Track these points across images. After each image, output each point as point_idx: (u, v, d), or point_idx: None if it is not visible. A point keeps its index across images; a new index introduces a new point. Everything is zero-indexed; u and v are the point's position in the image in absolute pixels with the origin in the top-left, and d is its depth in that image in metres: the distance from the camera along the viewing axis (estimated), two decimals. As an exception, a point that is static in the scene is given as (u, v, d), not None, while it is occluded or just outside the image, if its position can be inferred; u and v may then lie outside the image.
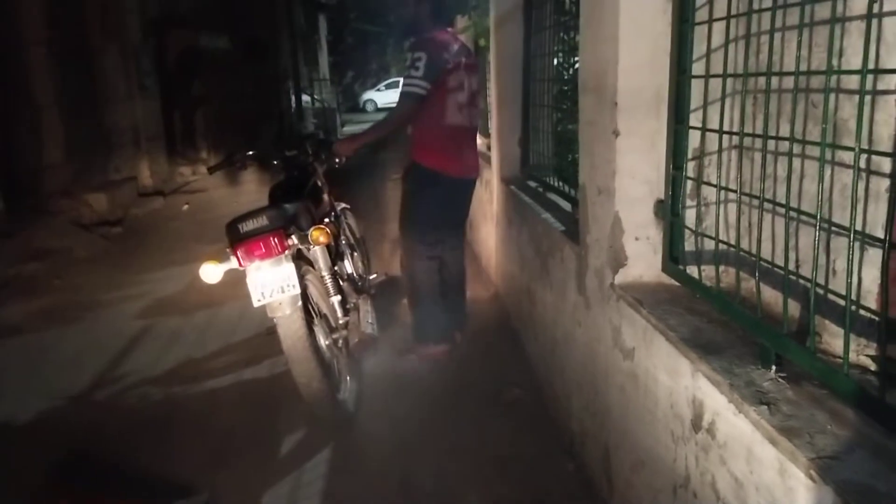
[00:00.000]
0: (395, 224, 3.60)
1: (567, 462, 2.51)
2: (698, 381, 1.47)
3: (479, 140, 4.64)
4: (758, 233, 1.48)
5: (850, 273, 1.14)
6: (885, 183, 1.26)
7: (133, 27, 9.03)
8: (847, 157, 1.31)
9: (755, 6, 1.49)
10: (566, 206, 2.92)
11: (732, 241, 1.55)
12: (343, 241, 3.51)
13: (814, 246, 1.25)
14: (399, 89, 3.23)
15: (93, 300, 4.71)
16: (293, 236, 2.58)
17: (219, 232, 2.71)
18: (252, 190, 7.87)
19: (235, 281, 2.61)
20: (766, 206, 1.43)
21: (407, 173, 3.48)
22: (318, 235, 2.65)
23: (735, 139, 1.67)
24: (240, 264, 2.47)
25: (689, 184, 1.84)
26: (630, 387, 1.90)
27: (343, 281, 3.23)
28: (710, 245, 1.65)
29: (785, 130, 1.46)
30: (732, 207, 1.66)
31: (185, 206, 8.17)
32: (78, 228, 6.51)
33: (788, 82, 1.48)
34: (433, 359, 3.41)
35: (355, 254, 3.72)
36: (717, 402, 1.38)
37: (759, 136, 1.44)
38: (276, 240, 2.48)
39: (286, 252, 2.50)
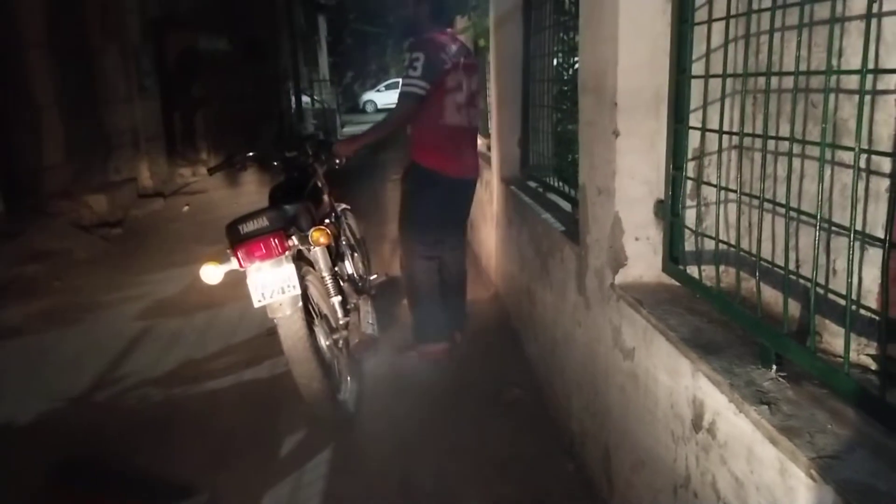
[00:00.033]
0: (395, 224, 3.60)
1: (567, 462, 2.51)
2: (698, 380, 1.47)
3: (480, 140, 4.64)
4: (758, 233, 1.48)
5: (850, 273, 1.14)
6: (885, 183, 1.26)
7: (133, 28, 9.04)
8: (847, 156, 1.31)
9: (754, 6, 1.49)
10: (566, 206, 2.92)
11: (732, 241, 1.55)
12: (343, 242, 3.51)
13: (814, 246, 1.25)
14: (398, 90, 3.24)
15: (93, 302, 4.71)
16: (293, 237, 2.58)
17: (219, 233, 2.71)
18: (252, 191, 7.87)
19: (236, 282, 2.61)
20: (766, 206, 1.43)
21: (406, 173, 3.48)
22: (319, 236, 2.65)
23: (735, 139, 1.67)
24: (240, 265, 2.48)
25: (689, 184, 1.84)
26: (630, 387, 1.90)
27: (343, 281, 3.23)
28: (710, 245, 1.65)
29: (785, 130, 1.46)
30: (732, 207, 1.66)
31: (186, 208, 8.17)
32: (78, 230, 6.51)
33: (788, 82, 1.48)
34: (432, 357, 3.41)
35: (356, 254, 3.72)
36: (718, 402, 1.38)
37: (758, 136, 1.44)
38: (276, 241, 2.48)
39: (286, 253, 2.50)
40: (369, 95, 29.39)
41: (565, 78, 3.21)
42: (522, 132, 3.89)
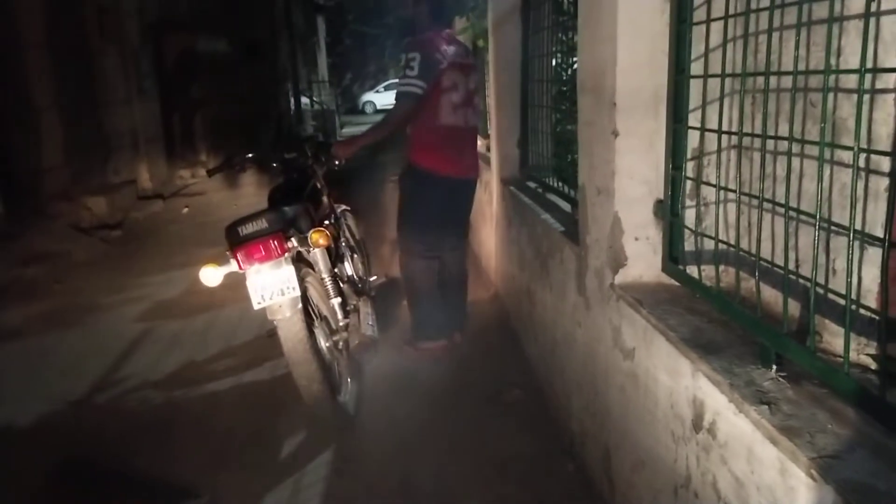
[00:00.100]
0: (394, 226, 3.60)
1: (567, 462, 2.51)
2: (699, 380, 1.47)
3: (479, 141, 4.64)
4: (757, 232, 1.48)
5: (849, 272, 1.14)
6: (885, 182, 1.26)
7: (132, 30, 9.04)
8: (846, 156, 1.31)
9: (753, 6, 1.49)
10: (566, 206, 2.92)
11: (732, 241, 1.55)
12: (343, 243, 3.51)
13: (813, 245, 1.25)
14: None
15: (93, 303, 4.70)
16: (293, 239, 2.58)
17: (218, 235, 2.71)
18: (251, 192, 7.88)
19: (235, 284, 2.61)
20: (766, 205, 1.43)
21: (403, 174, 3.48)
22: (318, 238, 2.65)
23: (734, 139, 1.67)
24: (240, 267, 2.48)
25: (689, 184, 1.84)
26: (630, 387, 1.90)
27: (343, 283, 3.23)
28: (709, 245, 1.65)
29: (784, 130, 1.46)
30: (732, 207, 1.66)
31: (185, 209, 8.17)
32: (77, 232, 6.51)
33: (787, 82, 1.48)
34: (431, 354, 3.41)
35: (355, 256, 3.72)
36: (718, 402, 1.38)
37: (758, 135, 1.44)
38: (275, 242, 2.48)
39: (286, 255, 2.50)
40: (368, 96, 29.39)
41: (564, 78, 3.21)
42: (522, 133, 3.89)
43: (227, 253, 2.50)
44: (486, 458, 2.58)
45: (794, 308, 1.43)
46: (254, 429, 2.90)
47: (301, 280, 2.56)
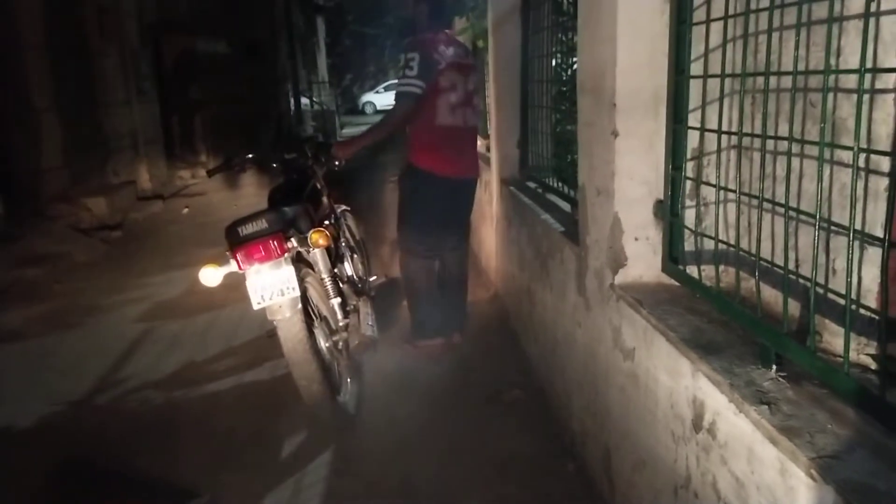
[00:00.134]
0: (394, 226, 3.60)
1: (568, 462, 2.51)
2: (699, 381, 1.47)
3: (479, 141, 4.64)
4: (757, 232, 1.48)
5: (849, 272, 1.14)
6: (884, 182, 1.26)
7: (131, 31, 9.05)
8: (846, 156, 1.31)
9: (753, 6, 1.50)
10: (565, 206, 2.92)
11: (732, 241, 1.55)
12: (343, 244, 3.51)
13: (813, 245, 1.25)
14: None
15: (93, 304, 4.71)
16: (292, 239, 2.58)
17: (218, 235, 2.71)
18: (251, 193, 7.88)
19: (235, 284, 2.61)
20: (766, 205, 1.43)
21: (403, 174, 3.48)
22: (318, 238, 2.65)
23: (734, 139, 1.67)
24: (239, 267, 2.48)
25: (689, 184, 1.84)
26: (630, 387, 1.90)
27: (343, 283, 3.23)
28: (709, 245, 1.65)
29: (784, 130, 1.46)
30: (732, 207, 1.66)
31: (185, 210, 8.17)
32: (77, 233, 6.51)
33: (787, 82, 1.48)
34: (428, 352, 3.42)
35: (355, 256, 3.72)
36: (718, 402, 1.38)
37: (757, 135, 1.45)
38: (275, 243, 2.48)
39: (286, 255, 2.50)
40: (368, 97, 29.38)
41: (564, 78, 3.21)
42: (521, 133, 3.89)
43: (227, 253, 2.51)
44: (486, 458, 2.58)
45: (794, 308, 1.43)
46: (254, 429, 2.90)
47: (301, 280, 2.56)
